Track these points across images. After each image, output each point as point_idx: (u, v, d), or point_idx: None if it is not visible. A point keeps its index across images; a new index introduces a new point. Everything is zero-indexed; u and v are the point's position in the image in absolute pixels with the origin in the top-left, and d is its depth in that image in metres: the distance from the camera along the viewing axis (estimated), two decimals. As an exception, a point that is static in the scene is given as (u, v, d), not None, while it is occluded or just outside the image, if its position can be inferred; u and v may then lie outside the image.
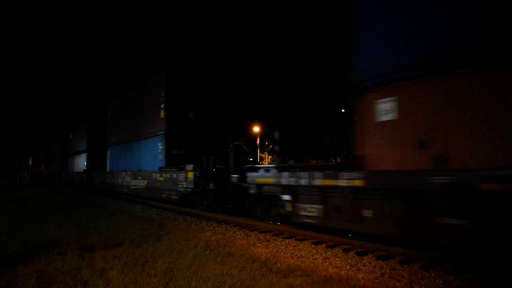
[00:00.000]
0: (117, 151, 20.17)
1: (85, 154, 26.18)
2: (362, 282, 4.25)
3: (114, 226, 8.00)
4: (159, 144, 14.07)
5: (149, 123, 15.32)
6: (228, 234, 7.38)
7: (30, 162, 61.42)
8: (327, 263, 5.13)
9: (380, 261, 5.17)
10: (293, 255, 5.61)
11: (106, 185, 20.62)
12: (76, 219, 9.03)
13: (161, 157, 13.89)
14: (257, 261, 5.05)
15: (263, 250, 5.96)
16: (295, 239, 6.75)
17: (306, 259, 5.37)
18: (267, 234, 7.34)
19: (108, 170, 21.26)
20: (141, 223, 8.40)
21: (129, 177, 16.85)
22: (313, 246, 6.22)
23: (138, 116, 16.85)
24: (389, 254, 5.50)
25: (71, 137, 32.12)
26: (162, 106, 13.94)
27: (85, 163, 26.08)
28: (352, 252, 5.72)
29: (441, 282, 4.24)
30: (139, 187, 15.46)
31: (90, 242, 6.24)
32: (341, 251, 5.83)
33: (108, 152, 21.68)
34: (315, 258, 5.40)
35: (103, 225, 8.07)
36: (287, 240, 6.69)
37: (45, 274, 4.45)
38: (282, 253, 5.78)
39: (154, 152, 14.61)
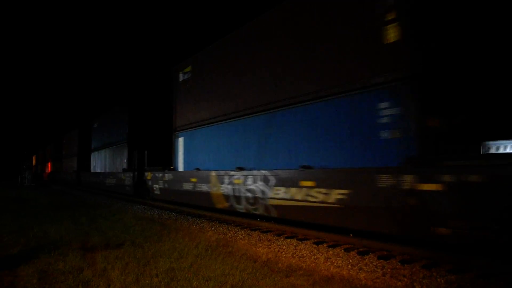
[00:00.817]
0: (217, 133, 10.47)
1: (125, 145, 17.42)
2: (363, 281, 4.25)
3: (116, 226, 8.02)
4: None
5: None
6: (229, 234, 7.38)
7: (34, 161, 60.56)
8: (329, 263, 5.13)
9: (381, 260, 5.17)
10: (294, 255, 5.61)
11: (183, 195, 11.65)
12: (78, 220, 9.05)
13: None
14: (259, 261, 5.06)
15: (265, 250, 5.96)
16: (297, 239, 6.75)
17: (307, 259, 5.37)
18: (268, 234, 7.34)
19: (182, 169, 12.32)
20: (142, 224, 8.42)
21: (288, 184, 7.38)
22: (314, 245, 6.22)
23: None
24: (391, 253, 5.50)
25: (95, 125, 24.61)
26: None
27: (126, 160, 17.52)
28: (353, 252, 5.72)
29: (442, 281, 4.24)
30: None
31: (91, 242, 6.26)
32: (342, 250, 5.83)
33: (181, 139, 12.62)
34: (317, 258, 5.40)
35: (105, 226, 8.08)
36: (289, 240, 6.69)
37: (46, 274, 4.46)
38: (283, 252, 5.78)
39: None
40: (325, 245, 6.23)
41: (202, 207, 10.96)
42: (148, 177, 14.42)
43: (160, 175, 13.41)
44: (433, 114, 5.46)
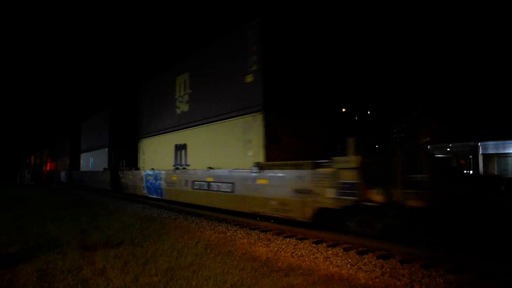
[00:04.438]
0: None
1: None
2: (363, 281, 4.25)
3: (115, 225, 8.01)
4: None
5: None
6: (229, 233, 7.38)
7: (33, 160, 60.45)
8: (328, 262, 5.13)
9: (380, 260, 5.17)
10: (293, 254, 5.62)
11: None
12: (77, 218, 9.05)
13: None
14: (258, 260, 5.06)
15: (264, 249, 5.96)
16: (296, 238, 6.75)
17: (306, 258, 5.37)
18: (268, 233, 7.34)
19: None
20: (141, 222, 8.41)
21: None
22: (313, 245, 6.22)
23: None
24: (390, 253, 5.50)
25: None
26: None
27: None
28: (352, 251, 5.72)
29: (441, 281, 4.24)
30: None
31: (90, 241, 6.25)
32: (341, 250, 5.83)
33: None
34: (316, 257, 5.41)
35: (104, 224, 8.08)
36: (288, 239, 6.69)
37: (46, 273, 4.46)
38: (283, 252, 5.78)
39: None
40: (324, 244, 6.23)
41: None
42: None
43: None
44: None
